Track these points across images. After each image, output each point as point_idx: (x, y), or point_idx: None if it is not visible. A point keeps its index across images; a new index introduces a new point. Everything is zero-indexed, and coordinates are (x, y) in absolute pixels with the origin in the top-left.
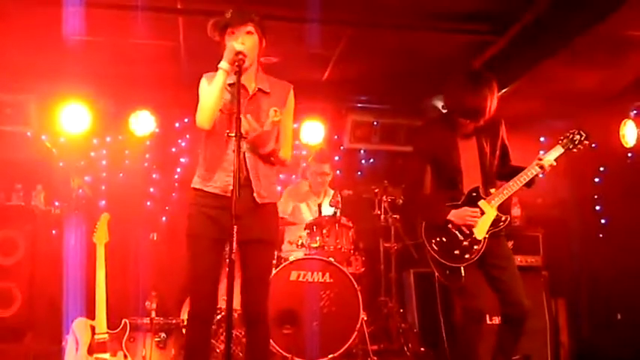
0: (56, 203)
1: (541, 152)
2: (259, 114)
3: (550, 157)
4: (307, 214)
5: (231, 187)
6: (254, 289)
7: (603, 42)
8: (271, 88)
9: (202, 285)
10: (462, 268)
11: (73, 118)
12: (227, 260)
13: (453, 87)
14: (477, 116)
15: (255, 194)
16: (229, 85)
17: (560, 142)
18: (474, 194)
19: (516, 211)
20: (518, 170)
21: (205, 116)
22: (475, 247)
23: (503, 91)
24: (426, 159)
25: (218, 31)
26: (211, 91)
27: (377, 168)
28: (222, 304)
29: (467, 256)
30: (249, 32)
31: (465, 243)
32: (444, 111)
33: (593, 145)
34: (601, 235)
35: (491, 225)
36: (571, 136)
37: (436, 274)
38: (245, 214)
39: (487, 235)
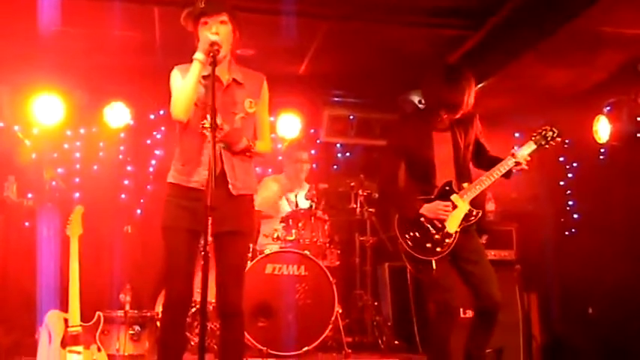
0: (29, 195)
1: (515, 147)
2: (234, 106)
3: (523, 152)
4: (286, 206)
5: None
6: (229, 281)
7: (578, 38)
8: (245, 79)
9: (177, 276)
10: (434, 261)
11: (46, 110)
12: (202, 253)
13: (431, 81)
14: (455, 110)
15: (230, 186)
16: (203, 77)
17: (532, 138)
18: (447, 188)
19: (490, 205)
20: (497, 161)
21: (182, 108)
22: (447, 240)
23: (479, 86)
24: (399, 154)
25: (191, 21)
26: (187, 82)
27: (353, 162)
28: (197, 296)
29: (438, 249)
30: (222, 22)
31: (437, 236)
32: (422, 106)
33: (567, 141)
34: (573, 230)
35: (463, 219)
36: (543, 132)
37: (408, 267)
38: (220, 206)
39: (459, 229)
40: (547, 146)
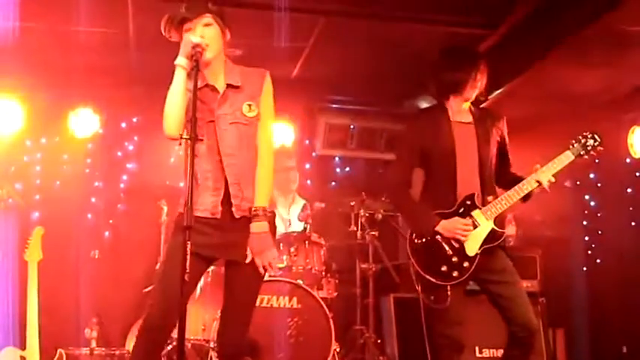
0: None
1: (537, 166)
2: (233, 113)
3: (551, 169)
4: (279, 224)
5: (220, 208)
6: (235, 318)
7: (609, 37)
8: (243, 79)
9: (165, 299)
10: (449, 287)
11: (2, 117)
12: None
13: (439, 64)
14: (462, 88)
15: (233, 208)
16: (198, 89)
17: (570, 147)
18: (468, 202)
19: (511, 229)
20: (518, 180)
21: (170, 122)
22: (465, 264)
23: (498, 92)
24: (415, 152)
25: (174, 30)
26: (173, 92)
27: (354, 178)
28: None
29: (455, 274)
30: (207, 24)
31: (454, 259)
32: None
33: (597, 161)
34: (605, 258)
35: (486, 240)
36: (584, 140)
37: (420, 294)
38: (230, 230)
39: (479, 252)
40: (587, 157)
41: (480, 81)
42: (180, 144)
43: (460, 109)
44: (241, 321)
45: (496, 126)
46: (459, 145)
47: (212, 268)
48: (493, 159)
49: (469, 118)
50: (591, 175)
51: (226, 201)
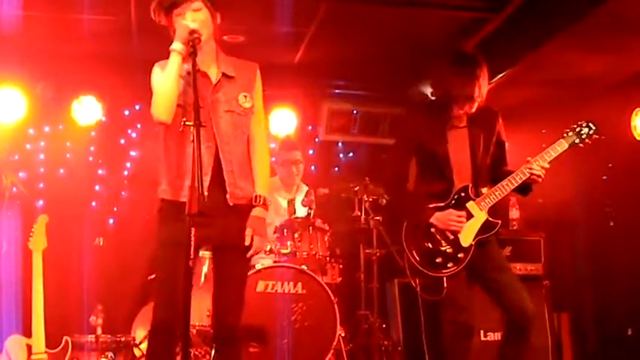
0: None
1: (528, 158)
2: (229, 102)
3: (545, 159)
4: (272, 215)
5: (206, 193)
6: (227, 302)
7: (614, 21)
8: (236, 71)
9: (171, 295)
10: (445, 278)
11: (5, 105)
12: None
13: (438, 72)
14: (466, 103)
15: (228, 195)
16: (187, 73)
17: (564, 136)
18: (462, 194)
19: (515, 213)
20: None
21: (163, 107)
22: (460, 255)
23: (500, 76)
24: (410, 150)
25: (164, 13)
26: (166, 77)
27: (357, 163)
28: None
29: (450, 265)
30: (196, 9)
31: (449, 250)
32: (432, 98)
33: (603, 137)
34: (610, 241)
35: (480, 230)
36: (578, 129)
37: (413, 284)
38: (219, 216)
39: (474, 242)
40: (581, 145)
41: (480, 96)
42: (181, 129)
43: (457, 114)
44: (236, 304)
45: (490, 126)
46: (453, 149)
47: None
48: (487, 159)
49: (463, 122)
50: (594, 158)
51: (215, 187)
